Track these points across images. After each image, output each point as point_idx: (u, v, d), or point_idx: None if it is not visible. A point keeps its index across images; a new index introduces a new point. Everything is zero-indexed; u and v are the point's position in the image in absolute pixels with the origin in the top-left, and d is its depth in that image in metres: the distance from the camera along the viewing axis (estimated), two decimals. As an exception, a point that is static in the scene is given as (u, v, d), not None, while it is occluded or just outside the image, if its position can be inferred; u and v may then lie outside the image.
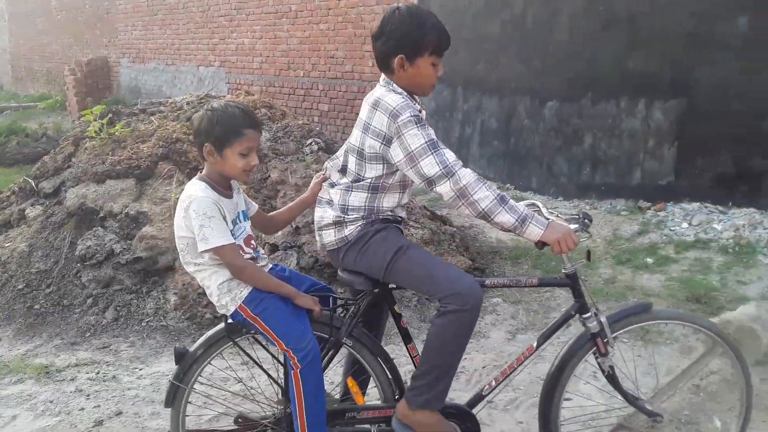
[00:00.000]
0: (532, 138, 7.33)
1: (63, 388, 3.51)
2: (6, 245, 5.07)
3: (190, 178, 4.72)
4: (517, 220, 2.15)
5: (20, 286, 4.66)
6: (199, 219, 2.17)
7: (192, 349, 2.43)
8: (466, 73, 8.05)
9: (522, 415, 3.25)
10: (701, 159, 6.04)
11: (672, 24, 6.07)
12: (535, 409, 3.27)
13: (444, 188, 2.17)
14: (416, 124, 2.18)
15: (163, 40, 14.35)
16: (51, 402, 3.37)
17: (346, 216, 2.35)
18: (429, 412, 2.31)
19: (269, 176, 4.84)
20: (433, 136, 2.20)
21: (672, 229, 5.80)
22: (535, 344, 2.46)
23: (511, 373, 2.48)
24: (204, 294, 4.30)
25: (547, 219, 2.24)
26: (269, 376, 2.49)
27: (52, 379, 3.64)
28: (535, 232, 2.16)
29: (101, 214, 4.82)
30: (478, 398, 2.51)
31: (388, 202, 2.36)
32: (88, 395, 3.38)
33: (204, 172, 2.31)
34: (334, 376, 3.30)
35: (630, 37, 6.37)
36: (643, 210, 6.34)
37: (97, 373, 3.69)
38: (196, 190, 2.23)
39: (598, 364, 2.46)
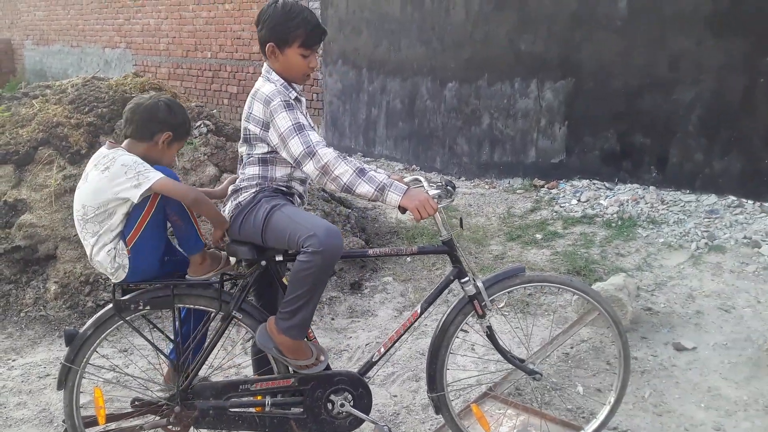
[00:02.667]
0: (435, 119, 7.45)
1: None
2: None
3: (71, 164, 4.62)
4: (376, 190, 2.27)
5: None
6: (133, 167, 2.32)
7: (82, 329, 2.43)
8: (369, 54, 8.08)
9: (397, 389, 3.35)
10: (589, 137, 6.29)
11: (558, 4, 6.27)
12: (411, 383, 3.41)
13: (309, 167, 2.31)
14: (285, 108, 2.35)
15: (67, 21, 13.74)
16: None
17: (241, 184, 2.52)
18: (290, 340, 2.38)
19: (155, 160, 4.74)
20: (300, 120, 2.35)
21: (562, 205, 6.03)
22: (419, 310, 2.59)
23: (398, 339, 2.59)
24: (86, 282, 4.24)
25: (408, 186, 2.34)
26: (160, 351, 2.51)
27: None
28: (394, 199, 2.28)
29: (-22, 203, 4.62)
30: (369, 365, 2.60)
31: (280, 172, 2.50)
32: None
33: (125, 146, 2.49)
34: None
35: (521, 17, 6.54)
36: (537, 188, 6.56)
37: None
38: (118, 153, 2.39)
39: (479, 325, 2.60)
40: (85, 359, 2.44)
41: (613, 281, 3.97)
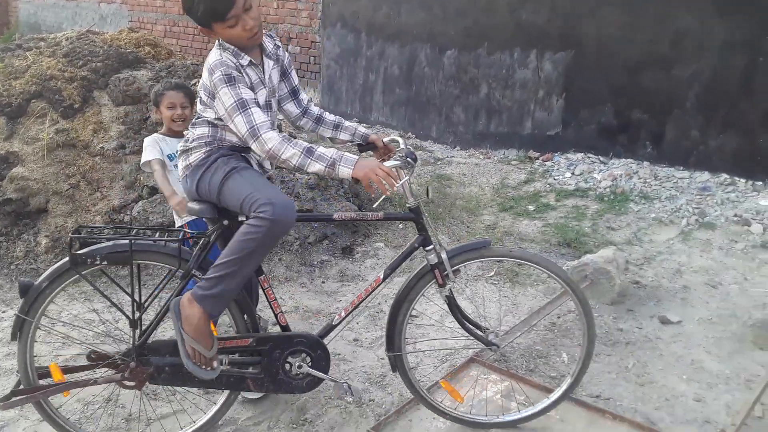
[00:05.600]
0: (432, 87, 7.39)
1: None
2: None
3: (64, 118, 4.59)
4: (327, 167, 2.26)
5: None
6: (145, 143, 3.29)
7: (37, 281, 2.40)
8: (369, 18, 7.98)
9: (384, 353, 3.37)
10: (586, 111, 6.27)
11: (562, -24, 6.20)
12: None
13: (255, 148, 2.32)
14: (226, 83, 2.30)
15: (63, -27, 13.49)
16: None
17: (190, 144, 2.50)
18: (201, 311, 2.32)
19: (149, 117, 4.70)
20: (243, 96, 2.30)
21: (556, 178, 6.04)
22: (382, 276, 2.59)
23: (360, 303, 2.61)
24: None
25: (358, 157, 2.32)
26: (115, 306, 2.48)
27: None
28: (345, 171, 2.26)
29: (-31, 154, 4.58)
30: (328, 328, 2.62)
31: (231, 135, 2.48)
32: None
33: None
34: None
35: (524, -13, 6.46)
36: (532, 159, 6.56)
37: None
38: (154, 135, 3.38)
39: (440, 293, 2.59)
40: (39, 311, 2.41)
41: (603, 254, 3.99)
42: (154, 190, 4.41)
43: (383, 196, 2.37)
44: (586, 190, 5.66)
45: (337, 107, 8.54)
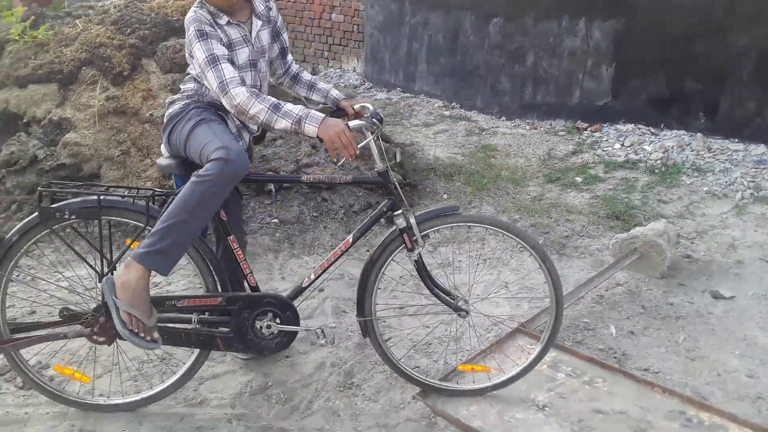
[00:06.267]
0: (477, 56, 7.27)
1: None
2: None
3: (114, 85, 4.65)
4: (293, 123, 2.28)
5: (-58, 191, 4.56)
6: None
7: (7, 236, 2.42)
8: (414, -14, 7.87)
9: (430, 320, 3.38)
10: (637, 80, 6.10)
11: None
12: (444, 316, 3.43)
13: (225, 102, 2.34)
14: (198, 38, 2.36)
15: (107, -58, 13.57)
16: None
17: (176, 96, 2.58)
18: (141, 270, 2.26)
19: (197, 84, 4.73)
20: (215, 51, 2.35)
21: (605, 149, 5.91)
22: (351, 239, 2.58)
23: (329, 266, 2.61)
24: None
25: (324, 116, 2.32)
26: (86, 262, 2.48)
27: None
28: (310, 129, 2.28)
29: (24, 120, 4.69)
30: (298, 290, 2.63)
31: (214, 94, 2.47)
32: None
33: None
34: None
35: (574, -47, 6.28)
36: (580, 130, 6.43)
37: (17, 275, 3.69)
38: None
39: (408, 258, 2.58)
40: (11, 265, 2.43)
41: (653, 227, 3.90)
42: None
43: (343, 159, 2.36)
44: (636, 162, 5.53)
45: (380, 76, 8.48)
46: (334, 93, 2.79)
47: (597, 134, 6.25)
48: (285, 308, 2.56)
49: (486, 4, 7.05)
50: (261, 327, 2.53)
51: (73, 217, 2.38)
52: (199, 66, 2.38)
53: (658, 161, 5.47)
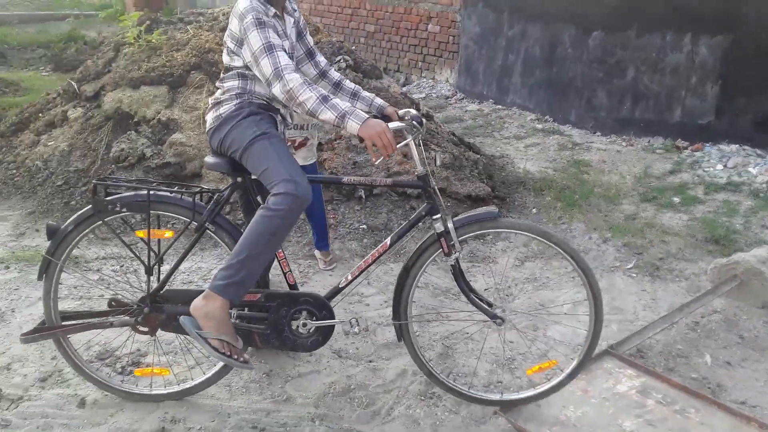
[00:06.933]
0: (575, 69, 7.14)
1: (88, 276, 3.76)
2: (49, 144, 5.31)
3: (219, 89, 4.86)
4: (337, 117, 2.30)
5: (59, 183, 4.90)
6: None
7: (63, 225, 2.54)
8: (512, -2, 7.82)
9: (514, 336, 3.34)
10: (743, 99, 5.82)
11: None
12: (528, 332, 3.39)
13: (276, 90, 2.36)
14: (256, 26, 2.37)
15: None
16: (75, 288, 3.63)
17: (221, 97, 2.57)
18: (221, 301, 2.36)
19: (296, 91, 4.89)
20: (271, 39, 2.37)
21: (706, 170, 5.67)
22: (388, 242, 2.59)
23: (366, 268, 2.63)
24: (230, 201, 4.51)
25: (368, 116, 2.33)
26: (134, 253, 2.58)
27: (79, 268, 3.89)
28: (353, 126, 2.29)
29: (135, 119, 4.99)
30: (335, 291, 2.66)
31: (260, 87, 2.54)
32: (108, 285, 3.63)
33: None
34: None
35: (683, -34, 6.07)
36: (679, 149, 6.19)
37: (121, 266, 3.93)
38: None
39: (446, 262, 2.57)
40: (65, 254, 2.54)
41: (756, 253, 3.71)
42: (296, 161, 4.60)
43: (381, 158, 2.37)
44: (739, 185, 5.28)
45: (473, 87, 8.47)
46: (379, 101, 2.78)
47: (697, 154, 6.00)
48: (321, 307, 2.59)
49: (586, 16, 6.91)
50: (297, 325, 2.58)
51: (125, 210, 2.49)
52: (252, 54, 2.37)
53: (764, 184, 5.20)
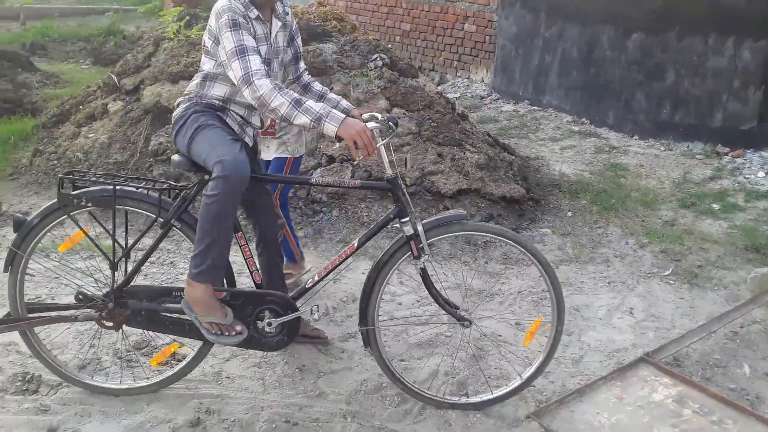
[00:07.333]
0: (613, 71, 7.03)
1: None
2: (89, 136, 5.41)
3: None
4: (312, 120, 2.29)
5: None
6: None
7: (29, 218, 2.56)
8: (550, -2, 7.74)
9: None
10: (789, 105, 5.68)
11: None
12: (563, 336, 3.36)
13: (247, 94, 2.35)
14: (230, 28, 2.37)
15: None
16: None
17: (180, 98, 2.63)
18: (202, 286, 2.42)
19: (332, 88, 4.90)
20: (244, 42, 2.36)
21: (747, 177, 5.56)
22: (356, 244, 2.60)
23: (333, 269, 2.65)
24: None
25: (344, 116, 2.32)
26: (99, 248, 2.59)
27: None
28: (330, 128, 2.29)
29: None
30: (302, 291, 2.67)
31: (217, 91, 2.55)
32: (145, 275, 3.68)
33: None
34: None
35: (727, -32, 5.94)
36: (720, 155, 6.07)
37: (158, 258, 3.99)
38: None
39: (414, 266, 2.57)
40: (30, 246, 2.56)
41: (799, 264, 3.63)
42: (332, 159, 4.62)
43: (361, 157, 2.35)
44: (781, 193, 5.16)
45: (508, 88, 8.41)
46: (345, 103, 2.77)
47: (739, 160, 5.88)
48: (287, 307, 2.60)
49: (626, 18, 6.81)
50: (262, 324, 2.59)
51: (90, 204, 2.51)
52: (225, 55, 2.38)
53: (808, 193, 5.07)
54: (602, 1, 7.08)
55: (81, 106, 5.93)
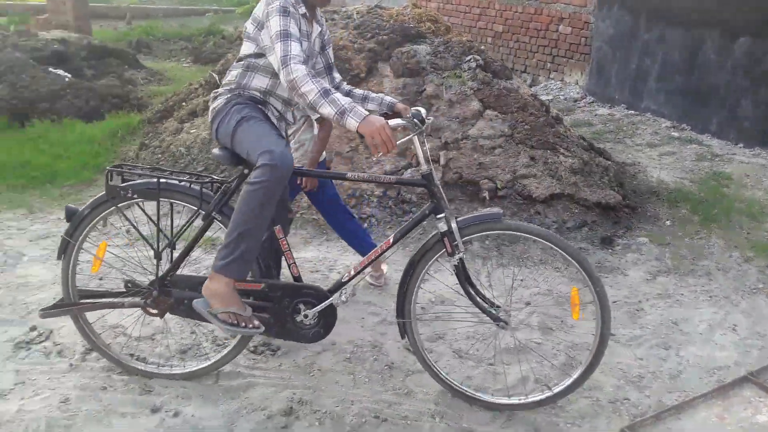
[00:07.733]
0: (717, 76, 6.71)
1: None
2: (191, 132, 5.65)
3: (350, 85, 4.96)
4: (336, 112, 2.28)
5: (200, 169, 5.21)
6: None
7: (81, 209, 2.67)
8: (650, 0, 7.46)
9: (644, 353, 3.20)
10: None
11: None
12: (659, 350, 3.25)
13: (282, 77, 2.36)
14: (280, 13, 2.41)
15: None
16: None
17: (219, 90, 2.65)
18: (225, 279, 2.43)
19: (425, 89, 4.91)
20: (290, 28, 2.39)
21: None
22: (391, 240, 2.57)
23: (369, 264, 2.65)
24: (353, 196, 4.61)
25: (367, 113, 2.28)
26: (144, 238, 2.66)
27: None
28: (351, 123, 2.27)
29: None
30: (338, 285, 2.66)
31: (258, 82, 2.59)
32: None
33: None
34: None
35: None
36: (834, 166, 5.69)
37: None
38: None
39: (449, 262, 2.53)
40: (82, 235, 2.66)
41: None
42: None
43: (380, 153, 2.31)
44: None
45: (604, 91, 8.18)
46: (389, 99, 2.78)
47: None
48: (322, 299, 2.61)
49: (731, 21, 6.48)
50: (299, 316, 2.61)
51: (136, 196, 2.60)
52: (270, 38, 2.41)
53: None
54: (706, 3, 6.77)
55: (183, 103, 6.21)
